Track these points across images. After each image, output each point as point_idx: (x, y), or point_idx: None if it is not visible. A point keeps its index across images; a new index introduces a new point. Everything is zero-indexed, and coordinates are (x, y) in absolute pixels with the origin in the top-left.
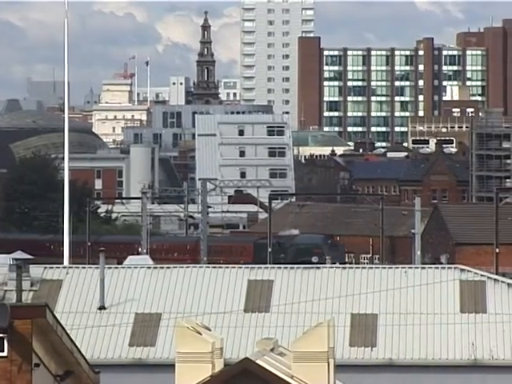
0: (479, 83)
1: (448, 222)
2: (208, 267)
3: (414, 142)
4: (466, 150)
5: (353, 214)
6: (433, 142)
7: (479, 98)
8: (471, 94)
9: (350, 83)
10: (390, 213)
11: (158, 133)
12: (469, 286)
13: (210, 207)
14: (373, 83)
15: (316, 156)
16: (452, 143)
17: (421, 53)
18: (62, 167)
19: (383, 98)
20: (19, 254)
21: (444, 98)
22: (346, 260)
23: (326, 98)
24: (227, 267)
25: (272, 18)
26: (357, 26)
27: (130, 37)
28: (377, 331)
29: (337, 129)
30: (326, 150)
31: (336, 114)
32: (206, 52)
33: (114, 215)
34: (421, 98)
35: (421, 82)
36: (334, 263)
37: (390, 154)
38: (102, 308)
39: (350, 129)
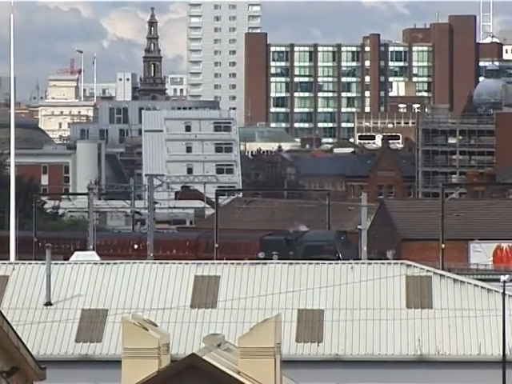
0: (425, 79)
1: (394, 218)
2: (155, 263)
3: (361, 137)
4: (412, 146)
5: (299, 210)
6: (379, 138)
7: (425, 94)
8: (417, 90)
9: (296, 79)
10: (337, 208)
11: (105, 128)
12: (415, 282)
13: (156, 203)
14: (319, 79)
15: (263, 152)
16: (398, 139)
17: (367, 49)
18: (8, 163)
19: (330, 94)
20: None
21: (390, 94)
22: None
23: (272, 94)
24: (174, 263)
25: (218, 13)
26: (303, 22)
27: (76, 32)
28: (323, 327)
29: (283, 124)
30: (272, 146)
31: (283, 109)
32: (152, 48)
33: (60, 211)
34: (367, 93)
35: (367, 78)
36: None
37: (336, 150)
38: (48, 304)
39: (296, 124)
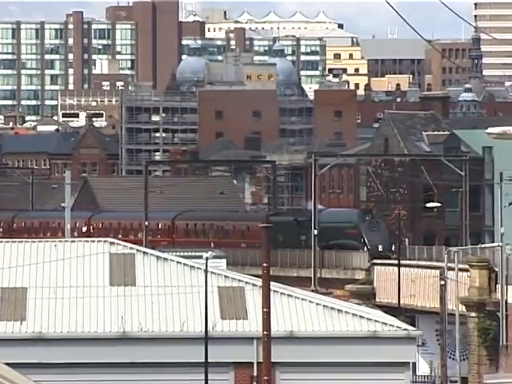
0: (129, 57)
1: (98, 195)
2: None
3: (64, 115)
4: (115, 124)
5: (2, 188)
6: (83, 116)
7: (129, 72)
8: (121, 68)
9: None
10: (41, 186)
11: None
12: (118, 259)
13: None
14: (22, 56)
15: None
16: (102, 117)
17: (70, 26)
18: None
19: (33, 72)
20: None
21: (94, 72)
22: None
23: None
24: None
25: None
26: None
27: None
28: (26, 305)
29: None
30: None
31: None
32: None
33: None
34: (71, 71)
35: (71, 56)
36: (378, 248)
37: (40, 128)
38: None
39: None
